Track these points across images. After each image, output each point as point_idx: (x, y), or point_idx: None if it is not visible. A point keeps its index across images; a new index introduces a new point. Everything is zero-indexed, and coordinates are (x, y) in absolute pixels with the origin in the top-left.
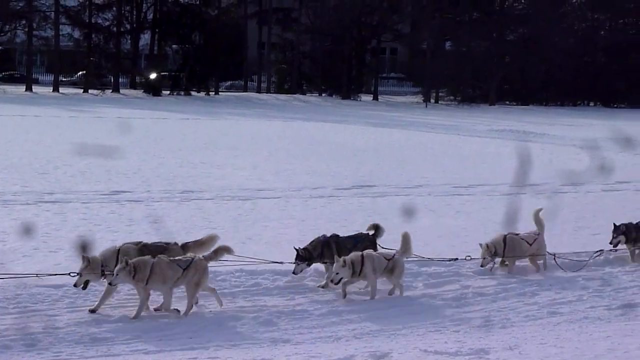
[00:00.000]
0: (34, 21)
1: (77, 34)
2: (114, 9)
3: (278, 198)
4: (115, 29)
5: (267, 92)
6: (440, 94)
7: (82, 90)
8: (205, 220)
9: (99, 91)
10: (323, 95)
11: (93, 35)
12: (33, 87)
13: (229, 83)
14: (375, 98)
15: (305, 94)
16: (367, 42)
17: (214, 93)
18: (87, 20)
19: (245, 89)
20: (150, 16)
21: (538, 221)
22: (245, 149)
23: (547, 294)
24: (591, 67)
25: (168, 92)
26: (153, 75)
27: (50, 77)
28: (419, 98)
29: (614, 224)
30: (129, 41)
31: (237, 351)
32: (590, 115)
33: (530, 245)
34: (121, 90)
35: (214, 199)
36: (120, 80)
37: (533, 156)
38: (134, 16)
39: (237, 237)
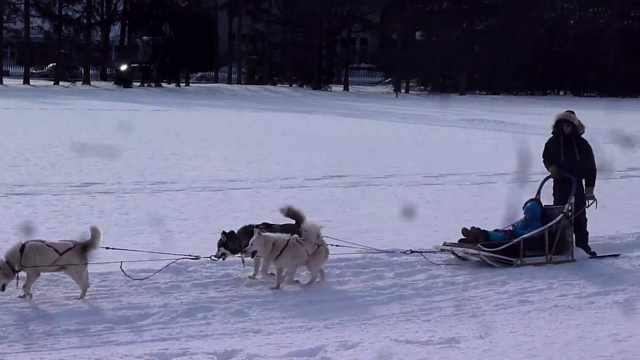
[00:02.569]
0: (4, 13)
1: (47, 26)
2: (84, 1)
3: (249, 189)
4: (85, 20)
5: (237, 83)
6: (410, 84)
7: (52, 82)
8: (176, 211)
9: (70, 83)
10: (294, 85)
11: (63, 27)
12: (3, 79)
13: (199, 74)
14: (346, 88)
15: (275, 85)
16: (337, 32)
17: (184, 84)
18: (57, 12)
19: (216, 80)
20: (120, 8)
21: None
22: (217, 140)
23: (517, 283)
24: (561, 57)
25: (139, 83)
26: (123, 67)
27: (21, 70)
28: (389, 88)
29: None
30: (99, 33)
31: (208, 342)
32: (560, 105)
33: (61, 254)
34: (92, 82)
35: (185, 190)
36: (91, 72)
37: (503, 145)
38: (104, 8)
39: (209, 228)
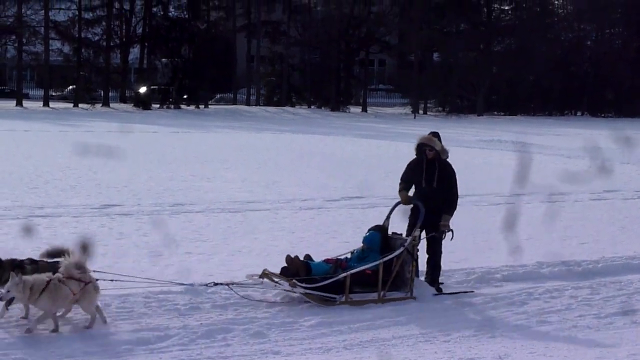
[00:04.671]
0: (24, 36)
1: (66, 48)
2: (104, 23)
3: (267, 210)
4: (104, 43)
5: (256, 105)
6: (428, 105)
7: (72, 104)
8: (195, 233)
9: (89, 105)
10: (312, 107)
11: (83, 50)
12: (23, 102)
13: (218, 96)
14: (364, 110)
15: (294, 106)
16: (355, 54)
17: (203, 106)
18: (77, 35)
19: (234, 101)
20: (139, 30)
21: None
22: (235, 161)
23: (536, 303)
24: (578, 77)
25: (158, 105)
26: (143, 89)
27: (41, 92)
28: (407, 109)
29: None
30: (119, 55)
31: None
32: (577, 125)
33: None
34: (111, 104)
35: (204, 211)
36: (110, 94)
37: (521, 166)
38: (123, 30)
39: (227, 249)
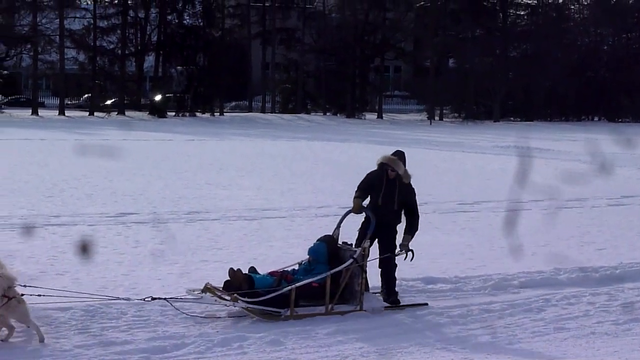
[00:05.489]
0: (39, 45)
1: (82, 57)
2: (119, 31)
3: (283, 217)
4: (119, 51)
5: (271, 112)
6: (444, 111)
7: (87, 113)
8: (211, 240)
9: (105, 114)
10: (327, 114)
11: (98, 58)
12: (39, 110)
13: (233, 103)
14: (380, 116)
15: (309, 113)
16: (371, 60)
17: (218, 114)
18: (92, 44)
19: (250, 109)
20: (154, 38)
21: None
22: (251, 169)
23: (553, 310)
24: (595, 82)
25: (173, 113)
26: (158, 97)
27: (56, 101)
28: (423, 116)
29: None
30: (134, 63)
31: None
32: (594, 130)
33: None
34: (126, 113)
35: (220, 219)
36: (125, 102)
37: (537, 172)
38: (138, 38)
39: (243, 257)
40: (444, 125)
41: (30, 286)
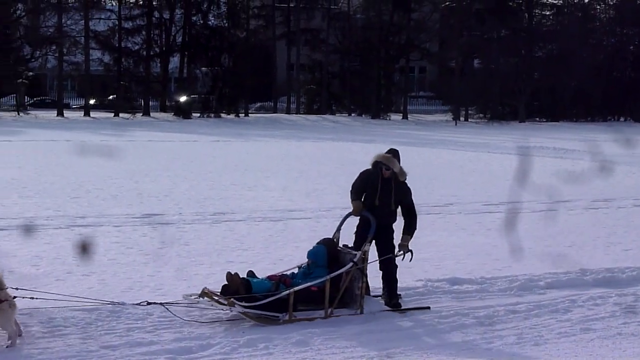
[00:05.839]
0: (64, 46)
1: (107, 58)
2: (143, 33)
3: (309, 218)
4: (144, 52)
5: (296, 113)
6: (469, 111)
7: (112, 114)
8: (237, 242)
9: (130, 115)
10: (352, 115)
11: (123, 60)
12: (64, 111)
13: (258, 104)
14: (405, 117)
15: (334, 114)
16: (396, 61)
17: (243, 115)
18: (117, 45)
19: (274, 110)
20: (179, 39)
21: None
22: (276, 170)
23: (579, 311)
24: (621, 82)
25: (198, 114)
26: (183, 98)
27: (81, 101)
28: (448, 116)
29: None
30: (159, 64)
31: None
32: (621, 131)
33: None
34: (151, 114)
35: (246, 220)
36: (151, 103)
37: (563, 172)
38: (163, 40)
39: (269, 258)
40: (470, 126)
41: (22, 289)
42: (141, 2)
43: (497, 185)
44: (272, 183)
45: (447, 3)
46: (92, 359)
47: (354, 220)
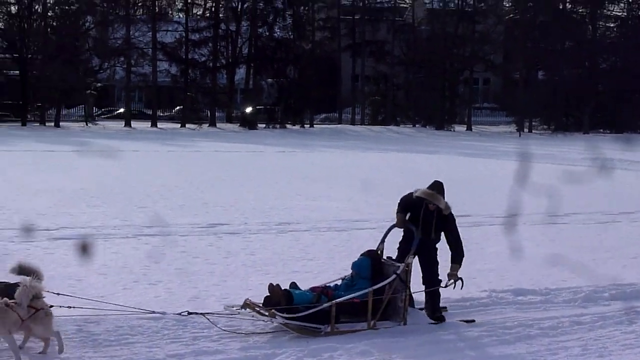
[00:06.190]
0: (132, 58)
1: (174, 69)
2: (210, 44)
3: (373, 229)
4: (211, 64)
5: (360, 124)
6: (533, 123)
7: (179, 124)
8: (302, 251)
9: (196, 125)
10: (416, 126)
11: (190, 71)
12: (132, 122)
13: (323, 115)
14: (469, 128)
15: (398, 125)
16: (460, 72)
17: (308, 126)
18: (184, 56)
19: (339, 121)
20: (245, 51)
21: None
22: (340, 180)
23: None
24: None
25: (264, 125)
26: (249, 109)
27: (149, 112)
28: (512, 127)
29: None
30: (225, 76)
31: None
32: None
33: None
34: (217, 124)
35: (310, 230)
36: (217, 114)
37: (627, 184)
38: (230, 51)
39: (333, 268)
40: (533, 137)
41: (63, 294)
42: (208, 15)
43: (561, 197)
44: (337, 193)
45: (511, 15)
46: None
47: (398, 233)
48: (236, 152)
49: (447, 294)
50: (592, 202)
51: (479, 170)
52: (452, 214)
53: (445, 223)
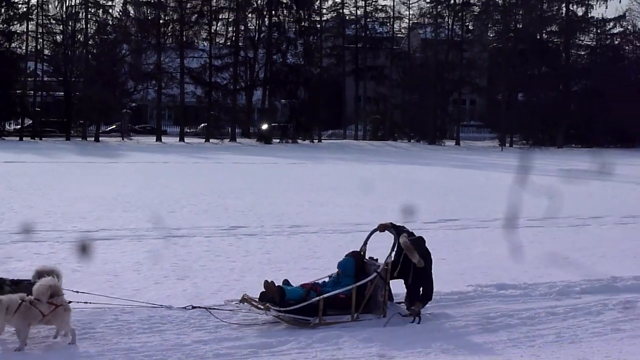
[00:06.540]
0: (163, 81)
1: (199, 91)
2: (231, 69)
3: None
4: (231, 86)
5: (363, 139)
6: (514, 138)
7: (204, 139)
8: (310, 251)
9: (218, 140)
10: (412, 141)
11: (213, 92)
12: (162, 137)
13: (330, 132)
14: (458, 143)
15: (396, 140)
16: (449, 94)
17: (317, 141)
18: (208, 80)
19: (344, 136)
20: (261, 75)
21: None
22: (345, 188)
23: (610, 313)
24: None
25: (278, 140)
26: (265, 126)
27: (177, 129)
28: (495, 143)
29: None
30: (244, 97)
31: None
32: None
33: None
34: (237, 139)
35: (318, 232)
36: (237, 130)
37: (596, 192)
38: (248, 75)
39: None
40: (514, 151)
41: (81, 292)
42: (229, 43)
43: (539, 203)
44: (342, 200)
45: (495, 44)
46: (186, 352)
47: (382, 236)
48: (253, 163)
49: (437, 287)
50: (565, 208)
51: (466, 179)
52: (428, 263)
53: (420, 271)
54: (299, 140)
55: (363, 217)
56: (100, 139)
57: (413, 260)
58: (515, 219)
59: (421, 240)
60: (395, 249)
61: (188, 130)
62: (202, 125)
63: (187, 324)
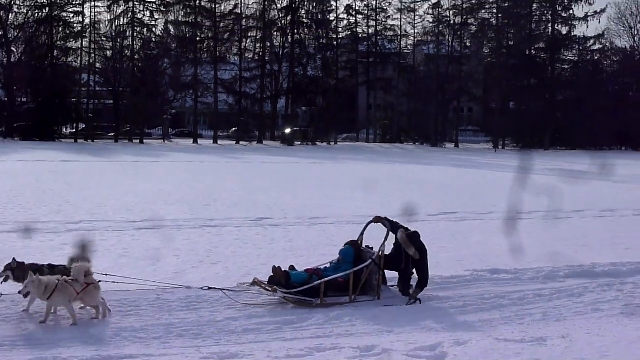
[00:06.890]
0: (199, 91)
1: (230, 100)
2: (258, 80)
3: None
4: (259, 95)
5: (373, 142)
6: (506, 142)
7: (234, 142)
8: (328, 239)
9: (247, 143)
10: (416, 144)
11: (242, 101)
12: (198, 140)
13: (345, 135)
14: (457, 145)
15: (402, 143)
16: (450, 103)
17: (333, 143)
18: (238, 90)
19: (357, 139)
20: (285, 86)
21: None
22: (357, 185)
23: (591, 295)
24: (622, 120)
25: (299, 142)
26: (288, 130)
27: (211, 133)
28: (490, 145)
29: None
30: (270, 105)
31: (353, 339)
32: (624, 157)
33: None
34: (264, 142)
35: (334, 223)
36: (263, 134)
37: (578, 188)
38: (273, 86)
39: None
40: (506, 153)
41: (109, 274)
42: (257, 58)
43: (529, 198)
44: (355, 195)
45: (489, 59)
46: (219, 327)
47: (376, 227)
48: (278, 163)
49: (438, 272)
50: (550, 203)
51: (465, 177)
52: (423, 261)
53: (416, 261)
54: (317, 143)
55: (373, 209)
56: (144, 141)
57: (410, 253)
58: (507, 213)
59: (416, 234)
60: (394, 244)
61: (221, 134)
62: (233, 129)
63: (220, 303)
